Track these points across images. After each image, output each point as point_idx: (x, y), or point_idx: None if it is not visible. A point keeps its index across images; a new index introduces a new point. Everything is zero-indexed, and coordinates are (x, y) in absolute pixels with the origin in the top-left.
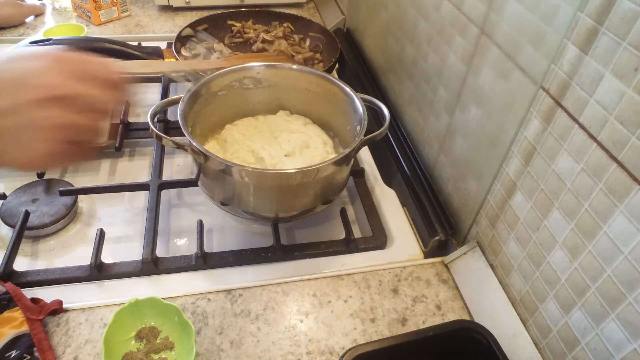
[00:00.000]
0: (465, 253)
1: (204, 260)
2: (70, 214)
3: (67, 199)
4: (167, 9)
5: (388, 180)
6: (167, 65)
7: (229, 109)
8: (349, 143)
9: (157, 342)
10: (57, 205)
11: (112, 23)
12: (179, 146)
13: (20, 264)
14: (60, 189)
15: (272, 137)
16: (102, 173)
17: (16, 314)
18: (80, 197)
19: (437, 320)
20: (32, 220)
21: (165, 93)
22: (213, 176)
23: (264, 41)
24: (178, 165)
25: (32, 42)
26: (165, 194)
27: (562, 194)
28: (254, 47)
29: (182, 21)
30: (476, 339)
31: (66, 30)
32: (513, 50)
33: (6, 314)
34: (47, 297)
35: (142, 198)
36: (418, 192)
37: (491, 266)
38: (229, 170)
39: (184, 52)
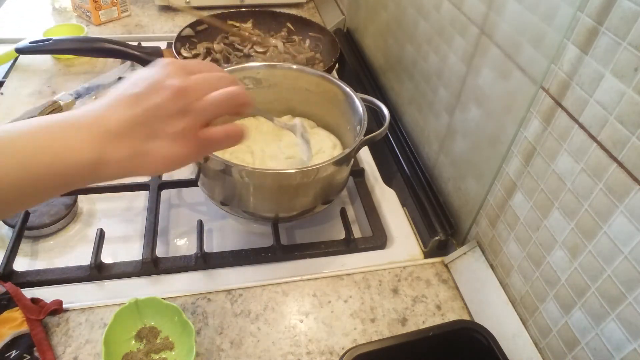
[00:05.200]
0: (465, 253)
1: (204, 260)
2: (70, 214)
3: (67, 199)
4: (167, 9)
5: (388, 180)
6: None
7: None
8: (349, 143)
9: (157, 342)
10: (57, 205)
11: (112, 23)
12: None
13: (20, 264)
14: None
15: (273, 137)
16: None
17: (16, 314)
18: (80, 197)
19: (437, 320)
20: (32, 220)
21: None
22: (213, 176)
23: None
24: None
25: (32, 42)
26: (165, 194)
27: (562, 194)
28: (245, 51)
29: (182, 21)
30: (476, 339)
31: (66, 30)
32: (513, 50)
33: (6, 314)
34: (47, 297)
35: (142, 198)
36: (418, 192)
37: (491, 266)
38: (229, 170)
39: (184, 52)
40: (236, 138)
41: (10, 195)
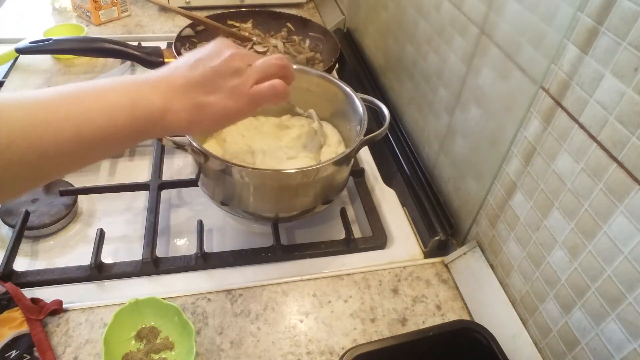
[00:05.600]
0: (465, 253)
1: (204, 260)
2: (70, 214)
3: (67, 199)
4: (167, 9)
5: (388, 180)
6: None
7: None
8: (349, 143)
9: (157, 342)
10: (57, 205)
11: (112, 23)
12: (179, 146)
13: (20, 264)
14: (60, 189)
15: (273, 137)
16: (102, 173)
17: (16, 314)
18: (80, 197)
19: (437, 320)
20: (32, 220)
21: None
22: (213, 176)
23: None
24: (178, 166)
25: (32, 42)
26: (165, 194)
27: (562, 194)
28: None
29: (182, 21)
30: (476, 339)
31: (66, 30)
32: (513, 50)
33: (6, 314)
34: (47, 297)
35: (142, 198)
36: (418, 192)
37: (491, 266)
38: (229, 170)
39: (184, 52)
40: (281, 91)
41: (93, 139)
